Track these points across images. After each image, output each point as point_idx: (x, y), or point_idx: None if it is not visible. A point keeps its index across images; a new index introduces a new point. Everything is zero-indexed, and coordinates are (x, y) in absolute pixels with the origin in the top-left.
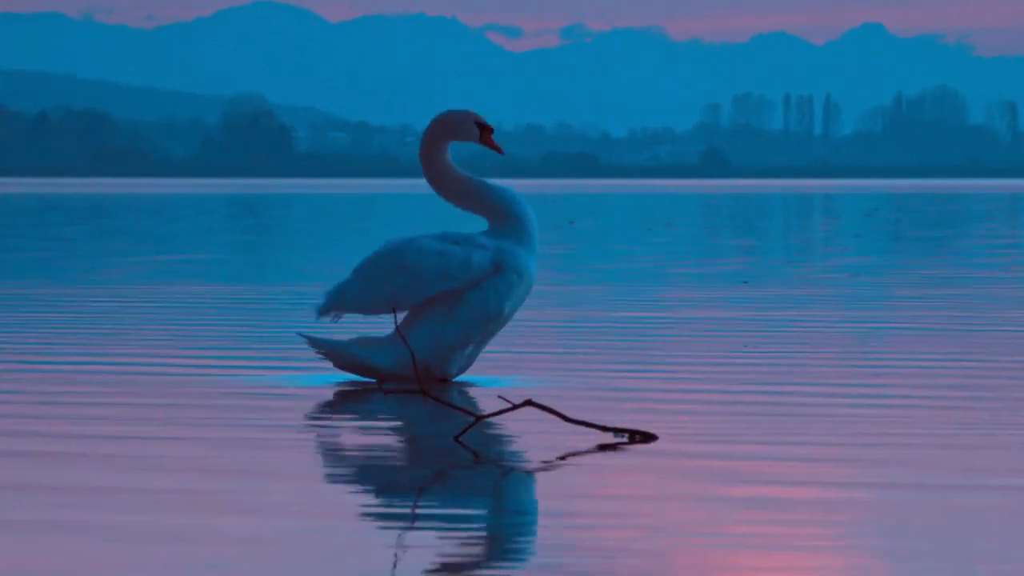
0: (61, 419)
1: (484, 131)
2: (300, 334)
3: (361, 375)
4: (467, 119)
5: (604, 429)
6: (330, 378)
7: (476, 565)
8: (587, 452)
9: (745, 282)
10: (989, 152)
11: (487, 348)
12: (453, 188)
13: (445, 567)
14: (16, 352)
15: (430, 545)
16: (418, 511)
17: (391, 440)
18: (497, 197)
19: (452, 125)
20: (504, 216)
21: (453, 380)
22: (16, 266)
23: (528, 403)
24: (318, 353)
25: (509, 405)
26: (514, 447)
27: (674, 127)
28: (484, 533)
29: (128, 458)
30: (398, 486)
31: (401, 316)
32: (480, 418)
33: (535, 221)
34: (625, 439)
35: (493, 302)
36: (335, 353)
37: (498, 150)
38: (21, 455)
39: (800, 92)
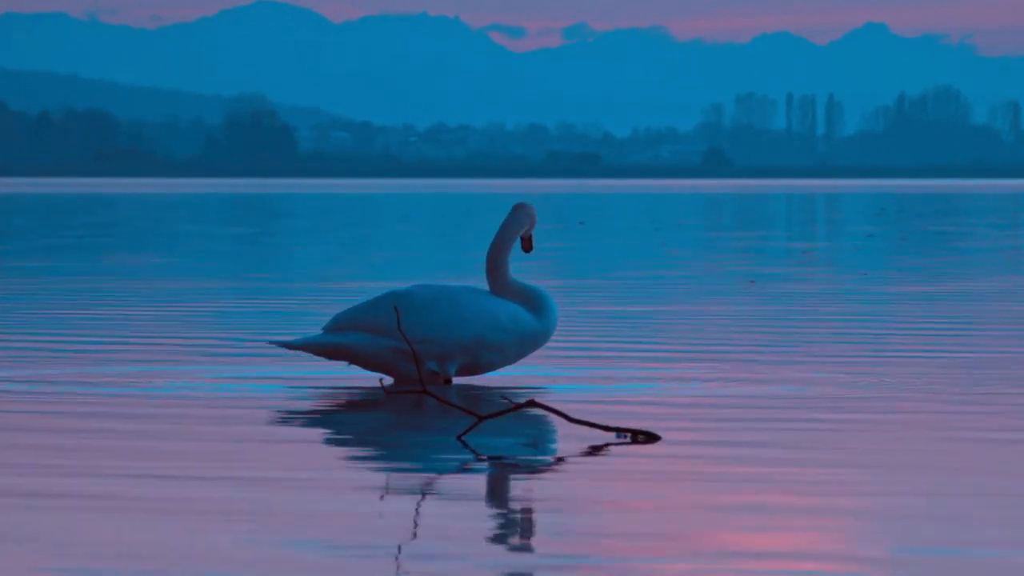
0: (76, 419)
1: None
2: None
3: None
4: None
5: (607, 429)
6: (332, 378)
7: (478, 563)
8: (590, 452)
9: (752, 281)
10: (992, 152)
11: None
12: (503, 283)
13: (447, 565)
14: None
15: (432, 544)
16: (420, 510)
17: (394, 439)
18: (532, 293)
19: (532, 215)
20: (536, 308)
21: (453, 380)
22: (24, 267)
23: (531, 403)
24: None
25: (512, 405)
26: (517, 447)
27: (677, 127)
28: (486, 532)
29: (152, 452)
30: (400, 485)
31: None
32: (483, 417)
33: (557, 320)
34: (628, 439)
35: (489, 321)
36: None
37: (529, 249)
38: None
39: (803, 92)
